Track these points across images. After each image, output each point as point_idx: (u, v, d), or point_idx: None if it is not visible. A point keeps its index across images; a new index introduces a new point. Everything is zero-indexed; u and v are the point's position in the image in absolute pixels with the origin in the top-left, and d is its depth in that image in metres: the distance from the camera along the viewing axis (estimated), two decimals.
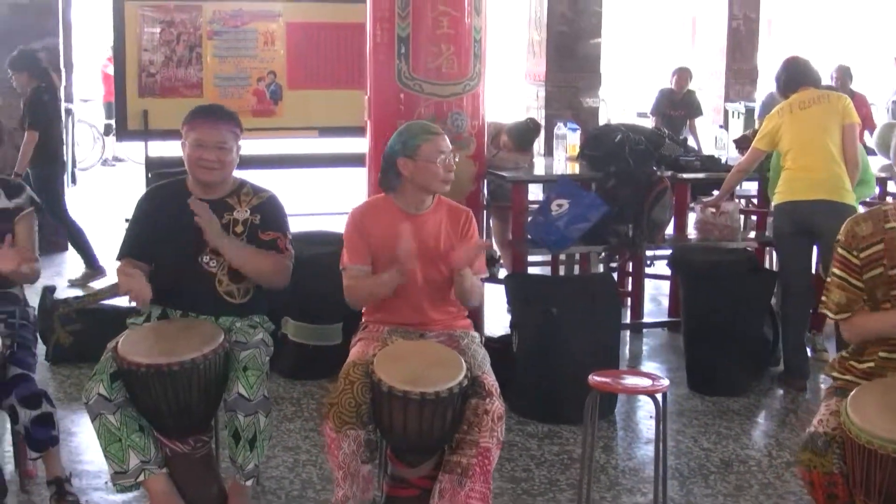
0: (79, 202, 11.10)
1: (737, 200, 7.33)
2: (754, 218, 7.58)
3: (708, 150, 9.43)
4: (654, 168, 6.34)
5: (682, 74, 11.31)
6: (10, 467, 4.37)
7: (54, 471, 4.13)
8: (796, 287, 5.91)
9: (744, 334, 5.77)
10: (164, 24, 8.17)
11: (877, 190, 7.02)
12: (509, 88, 12.99)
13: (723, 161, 6.95)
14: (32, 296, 4.74)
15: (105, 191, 13.27)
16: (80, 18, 13.84)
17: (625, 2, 18.59)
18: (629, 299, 7.17)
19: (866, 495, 3.14)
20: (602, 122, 10.49)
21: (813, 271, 6.20)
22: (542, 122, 9.18)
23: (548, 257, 7.31)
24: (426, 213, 4.12)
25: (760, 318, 5.97)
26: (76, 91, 13.56)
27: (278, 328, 5.20)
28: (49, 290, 6.19)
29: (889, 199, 7.24)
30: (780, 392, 5.88)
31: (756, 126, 8.21)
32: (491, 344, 5.07)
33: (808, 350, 6.14)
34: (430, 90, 5.47)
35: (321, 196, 10.87)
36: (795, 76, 5.99)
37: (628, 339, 6.83)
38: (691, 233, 6.78)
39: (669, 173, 6.47)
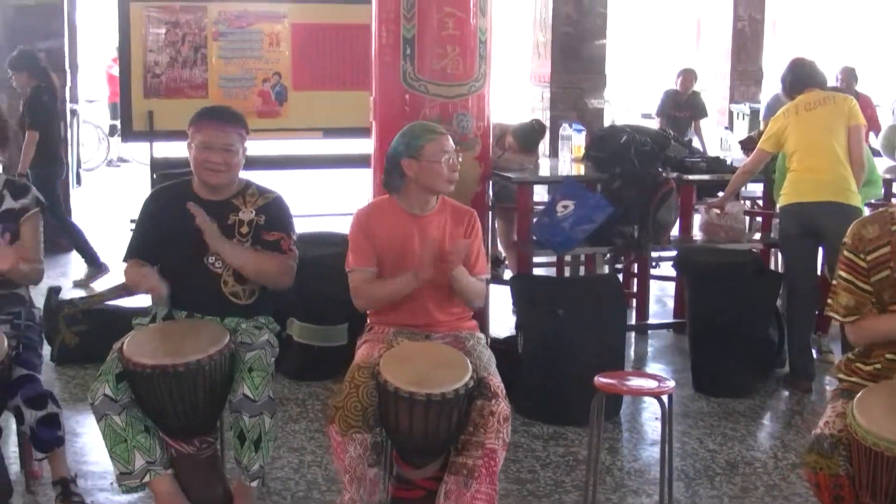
0: (84, 203, 11.14)
1: (742, 202, 7.32)
2: (759, 219, 7.57)
3: (713, 151, 9.45)
4: (660, 169, 6.33)
5: (687, 76, 11.31)
6: (15, 468, 4.37)
7: (60, 471, 4.13)
8: (802, 288, 5.91)
9: (749, 336, 5.76)
10: (170, 24, 8.17)
11: (882, 191, 7.01)
12: (514, 90, 12.99)
13: (728, 162, 6.95)
14: (38, 297, 4.74)
15: (110, 191, 13.28)
16: (86, 19, 13.90)
17: (630, 3, 18.57)
18: (634, 300, 7.16)
19: (872, 497, 3.13)
20: (607, 123, 10.48)
21: (818, 272, 6.19)
22: (548, 124, 9.18)
23: (553, 258, 7.30)
24: (430, 213, 4.12)
25: (766, 320, 5.96)
26: (81, 92, 13.61)
27: (283, 329, 5.20)
28: (54, 291, 6.19)
29: (895, 201, 7.22)
30: (786, 393, 5.88)
31: (761, 127, 8.21)
32: (496, 345, 5.08)
33: (814, 351, 6.14)
34: (436, 91, 5.47)
35: (326, 197, 10.87)
36: (801, 77, 5.99)
37: (633, 340, 6.83)
38: (697, 234, 6.78)
39: (675, 175, 6.47)
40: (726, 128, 11.87)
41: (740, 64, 12.71)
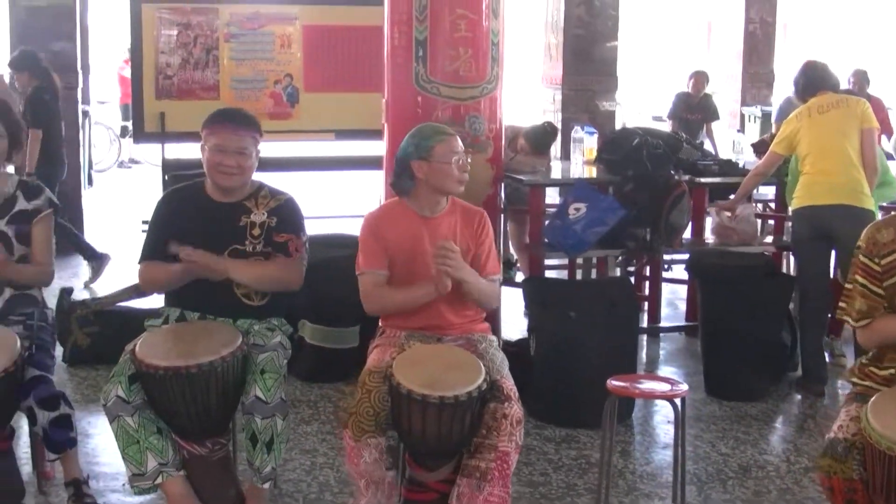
0: (95, 204, 11.17)
1: (753, 204, 7.30)
2: (772, 222, 7.55)
3: (725, 154, 9.41)
4: (672, 172, 6.32)
5: (699, 78, 11.30)
6: (27, 469, 4.39)
7: (72, 472, 4.14)
8: (814, 292, 5.88)
9: (761, 339, 5.74)
10: (181, 26, 8.20)
11: None
12: (526, 92, 12.99)
13: (740, 165, 6.93)
14: (50, 297, 4.75)
15: (121, 193, 13.33)
16: (97, 21, 13.94)
17: (641, 5, 18.57)
18: (647, 303, 7.15)
19: (886, 501, 3.12)
20: (618, 125, 10.47)
21: (831, 276, 6.17)
22: (559, 126, 9.17)
23: (565, 261, 7.29)
24: (441, 215, 4.11)
25: (778, 323, 5.94)
26: (93, 93, 13.65)
27: (295, 331, 5.20)
28: (66, 292, 6.20)
29: None
30: (798, 397, 5.86)
31: (773, 130, 8.20)
32: (508, 348, 5.07)
33: (827, 355, 6.11)
34: (448, 93, 5.46)
35: (337, 199, 10.88)
36: (814, 80, 5.97)
37: (645, 343, 6.81)
38: (709, 237, 6.77)
39: (687, 177, 6.45)
40: (738, 130, 11.83)
41: (752, 66, 12.69)
